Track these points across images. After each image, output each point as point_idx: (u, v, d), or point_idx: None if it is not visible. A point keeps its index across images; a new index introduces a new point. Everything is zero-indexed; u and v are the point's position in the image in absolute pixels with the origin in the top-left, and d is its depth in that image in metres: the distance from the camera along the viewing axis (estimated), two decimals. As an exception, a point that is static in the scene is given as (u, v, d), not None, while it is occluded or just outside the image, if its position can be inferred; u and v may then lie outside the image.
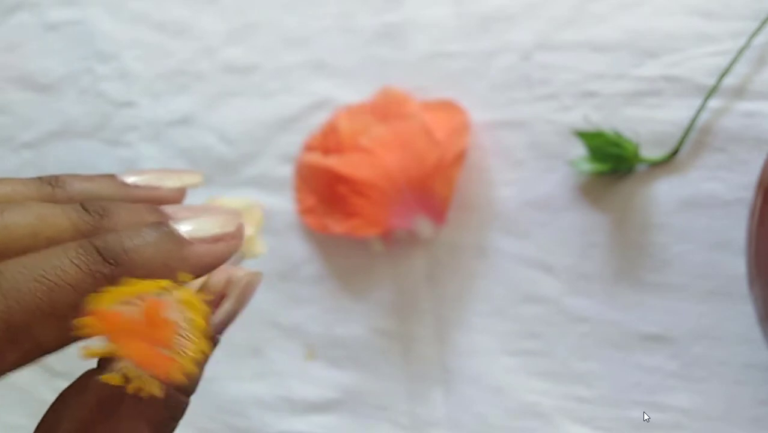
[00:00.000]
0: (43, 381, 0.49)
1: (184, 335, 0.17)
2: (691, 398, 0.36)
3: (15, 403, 0.51)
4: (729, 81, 0.35)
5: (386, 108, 0.40)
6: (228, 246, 0.19)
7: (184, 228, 0.19)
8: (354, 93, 0.43)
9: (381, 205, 0.39)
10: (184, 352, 0.16)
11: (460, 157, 0.39)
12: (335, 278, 0.43)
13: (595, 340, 0.38)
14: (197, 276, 0.19)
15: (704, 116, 0.35)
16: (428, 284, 0.41)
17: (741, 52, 0.35)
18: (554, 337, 0.38)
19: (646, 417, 0.36)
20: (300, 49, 0.45)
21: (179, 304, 0.17)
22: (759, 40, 0.34)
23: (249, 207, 0.23)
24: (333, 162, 0.40)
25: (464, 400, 0.40)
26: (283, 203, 0.44)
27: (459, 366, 0.40)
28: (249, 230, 0.22)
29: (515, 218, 0.39)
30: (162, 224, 0.19)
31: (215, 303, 0.21)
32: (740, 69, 0.35)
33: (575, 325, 0.38)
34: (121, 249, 0.18)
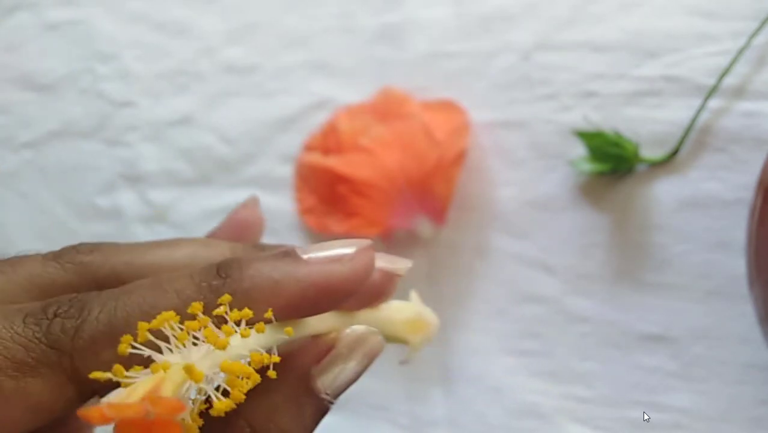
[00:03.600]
0: None
1: None
2: (691, 398, 0.36)
3: None
4: (729, 81, 0.35)
5: (386, 108, 0.40)
6: (343, 267, 0.18)
7: (306, 253, 0.18)
8: (354, 93, 0.43)
9: (381, 205, 0.39)
10: None
11: (460, 157, 0.39)
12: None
13: (595, 340, 0.38)
14: (309, 300, 0.18)
15: (704, 116, 0.35)
16: (428, 284, 0.41)
17: (741, 52, 0.35)
18: (554, 337, 0.38)
19: (646, 417, 0.36)
20: (300, 49, 0.45)
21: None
22: (759, 40, 0.34)
23: (421, 318, 0.23)
24: (333, 162, 0.40)
25: (464, 400, 0.40)
26: (283, 203, 0.44)
27: (459, 366, 0.40)
28: (413, 338, 0.22)
29: (515, 218, 0.39)
30: (286, 250, 0.18)
31: (321, 356, 0.19)
32: (740, 69, 0.35)
33: (575, 325, 0.38)
34: (237, 264, 0.18)
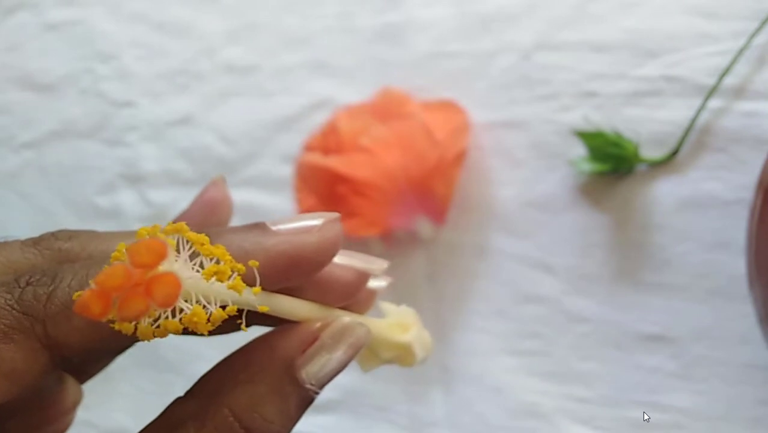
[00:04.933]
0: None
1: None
2: (691, 398, 0.36)
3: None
4: (729, 81, 0.35)
5: (386, 108, 0.40)
6: (311, 237, 0.18)
7: (275, 225, 0.18)
8: (354, 93, 0.43)
9: (381, 205, 0.39)
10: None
11: (460, 157, 0.39)
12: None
13: (595, 340, 0.38)
14: (279, 270, 0.18)
15: (704, 116, 0.35)
16: (428, 284, 0.41)
17: (741, 52, 0.35)
18: (554, 337, 0.38)
19: (646, 417, 0.36)
20: (300, 49, 0.45)
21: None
22: (759, 40, 0.34)
23: (411, 322, 0.22)
24: (333, 162, 0.40)
25: (464, 400, 0.40)
26: (283, 203, 0.44)
27: (459, 366, 0.40)
28: (407, 337, 0.21)
29: (515, 218, 0.39)
30: (256, 223, 0.18)
31: (305, 345, 0.19)
32: (740, 69, 0.35)
33: (575, 325, 0.38)
34: (208, 235, 0.17)
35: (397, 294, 0.42)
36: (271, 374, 0.18)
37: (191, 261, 0.16)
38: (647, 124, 0.37)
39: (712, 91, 0.35)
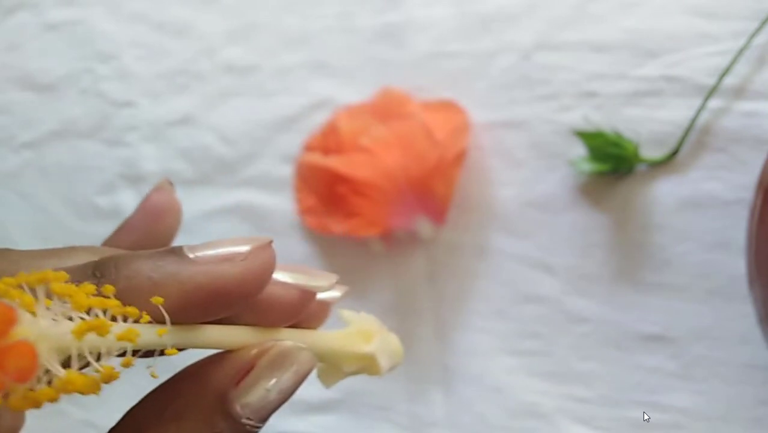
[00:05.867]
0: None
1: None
2: (691, 398, 0.36)
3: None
4: (729, 81, 0.35)
5: (386, 108, 0.40)
6: (234, 267, 0.16)
7: (193, 252, 0.16)
8: (354, 93, 0.43)
9: (381, 205, 0.39)
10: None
11: (460, 157, 0.39)
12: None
13: (595, 340, 0.38)
14: (195, 304, 0.16)
15: (704, 116, 0.35)
16: (428, 284, 0.41)
17: (741, 52, 0.35)
18: (554, 337, 0.38)
19: (646, 417, 0.36)
20: (300, 49, 0.45)
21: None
22: (759, 40, 0.34)
23: (374, 330, 0.20)
24: (333, 162, 0.40)
25: (464, 400, 0.40)
26: (283, 203, 0.44)
27: (459, 366, 0.40)
28: (369, 348, 0.20)
29: (515, 218, 0.39)
30: (172, 248, 0.16)
31: (240, 375, 0.17)
32: (740, 69, 0.35)
33: (575, 325, 0.38)
34: (114, 263, 0.16)
35: (397, 294, 0.42)
36: (200, 409, 0.16)
37: (69, 312, 0.14)
38: (647, 124, 0.36)
39: (712, 91, 0.35)
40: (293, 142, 0.44)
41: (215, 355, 0.17)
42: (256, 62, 0.46)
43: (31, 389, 0.13)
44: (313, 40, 0.45)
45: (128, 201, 0.49)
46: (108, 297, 0.15)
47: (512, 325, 0.39)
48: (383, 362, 0.20)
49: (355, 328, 0.20)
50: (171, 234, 0.23)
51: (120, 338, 0.14)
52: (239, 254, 0.16)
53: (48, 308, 0.14)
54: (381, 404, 0.42)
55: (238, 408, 0.16)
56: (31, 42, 0.53)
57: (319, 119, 0.43)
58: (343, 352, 0.19)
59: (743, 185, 0.34)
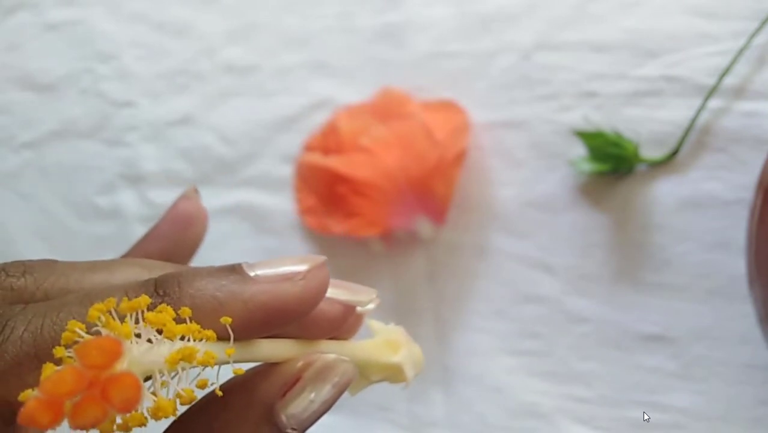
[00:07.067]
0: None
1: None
2: (691, 398, 0.36)
3: None
4: (729, 81, 0.35)
5: (386, 108, 0.40)
6: (294, 286, 0.17)
7: (253, 270, 0.17)
8: (354, 93, 0.43)
9: (381, 205, 0.39)
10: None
11: (460, 157, 0.39)
12: (335, 278, 0.43)
13: (595, 340, 0.38)
14: (256, 322, 0.16)
15: (704, 116, 0.35)
16: (428, 284, 0.41)
17: (741, 52, 0.35)
18: (554, 337, 0.38)
19: (646, 417, 0.36)
20: (300, 49, 0.45)
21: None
22: (759, 40, 0.34)
23: (401, 340, 0.21)
24: (333, 162, 0.40)
25: (464, 400, 0.40)
26: (283, 203, 0.44)
27: (459, 366, 0.40)
28: (397, 358, 0.20)
29: (515, 218, 0.39)
30: (232, 266, 0.17)
31: (287, 387, 0.17)
32: (740, 69, 0.35)
33: (575, 325, 0.38)
34: (176, 281, 0.16)
35: (397, 294, 0.42)
36: (248, 420, 0.17)
37: (153, 336, 0.14)
38: (647, 124, 0.36)
39: (712, 91, 0.35)
40: (293, 142, 0.44)
41: (261, 367, 0.18)
42: (256, 62, 0.46)
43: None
44: (313, 40, 0.45)
45: (128, 201, 0.49)
46: (185, 321, 0.15)
47: (512, 325, 0.39)
48: (409, 372, 0.21)
49: (382, 338, 0.21)
50: (198, 242, 0.24)
51: (200, 363, 0.15)
52: (298, 273, 0.17)
53: (137, 335, 0.14)
54: (381, 404, 0.42)
55: (284, 419, 0.17)
56: (31, 42, 0.53)
57: (319, 119, 0.43)
58: (372, 361, 0.20)
59: (743, 185, 0.34)
